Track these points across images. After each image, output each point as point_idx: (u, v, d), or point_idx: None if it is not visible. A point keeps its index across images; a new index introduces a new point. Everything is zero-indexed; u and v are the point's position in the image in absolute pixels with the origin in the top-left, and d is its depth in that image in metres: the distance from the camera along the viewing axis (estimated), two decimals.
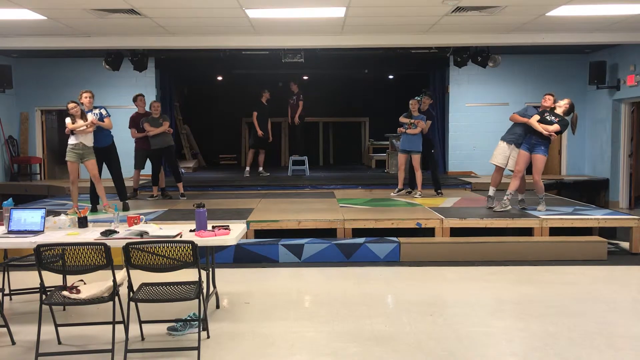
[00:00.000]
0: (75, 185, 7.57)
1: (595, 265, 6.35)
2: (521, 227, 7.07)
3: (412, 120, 8.97)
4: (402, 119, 9.08)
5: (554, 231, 6.95)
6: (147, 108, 9.09)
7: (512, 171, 7.55)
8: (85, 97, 7.58)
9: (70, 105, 7.31)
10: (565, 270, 6.12)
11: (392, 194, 9.43)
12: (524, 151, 7.30)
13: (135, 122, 9.01)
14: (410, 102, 9.10)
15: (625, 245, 7.15)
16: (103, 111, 7.69)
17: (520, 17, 7.73)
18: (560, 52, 11.51)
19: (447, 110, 12.22)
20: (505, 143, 7.63)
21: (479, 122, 11.56)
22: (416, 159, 9.03)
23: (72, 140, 7.42)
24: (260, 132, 11.47)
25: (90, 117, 7.39)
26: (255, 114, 11.50)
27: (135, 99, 9.18)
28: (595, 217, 7.13)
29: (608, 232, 7.34)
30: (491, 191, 7.75)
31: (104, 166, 7.95)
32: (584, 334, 4.24)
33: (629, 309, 4.89)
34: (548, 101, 7.36)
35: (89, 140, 7.45)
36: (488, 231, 7.00)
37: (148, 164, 9.29)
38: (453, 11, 7.29)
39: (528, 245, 6.68)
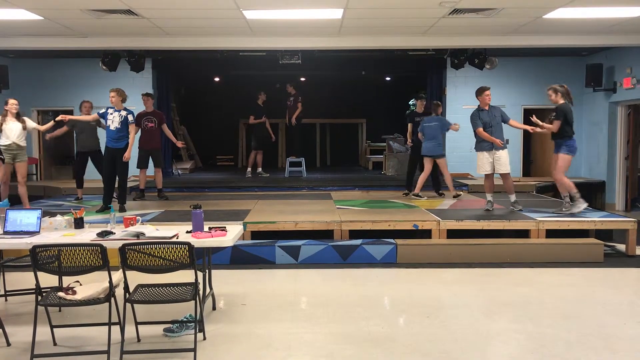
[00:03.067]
0: (6, 186, 7.91)
1: (592, 267, 6.36)
2: (518, 229, 7.08)
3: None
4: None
5: (551, 233, 6.96)
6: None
7: (500, 175, 7.70)
8: (111, 97, 7.68)
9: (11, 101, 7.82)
10: (562, 272, 6.13)
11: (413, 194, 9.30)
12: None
13: (137, 120, 9.02)
14: (437, 104, 9.25)
15: (621, 247, 7.16)
16: (129, 116, 7.72)
17: (518, 19, 7.75)
18: (557, 55, 11.54)
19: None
20: (478, 152, 7.77)
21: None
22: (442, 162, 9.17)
23: (3, 142, 7.78)
24: (272, 134, 11.83)
25: (29, 123, 7.87)
26: (252, 117, 11.57)
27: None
28: (592, 219, 7.15)
29: (604, 235, 7.36)
30: (489, 197, 7.79)
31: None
32: (580, 335, 4.24)
33: (625, 311, 4.90)
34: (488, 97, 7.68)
35: (22, 141, 7.75)
36: (485, 233, 7.00)
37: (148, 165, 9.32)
38: (450, 13, 7.30)
39: (525, 247, 6.69)
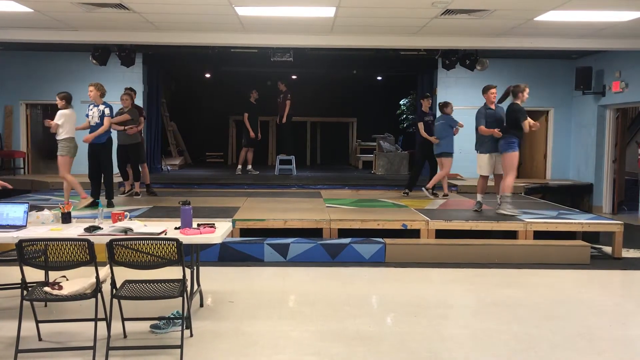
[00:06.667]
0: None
1: (578, 269, 6.41)
2: (506, 230, 7.11)
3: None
4: (461, 124, 9.18)
5: (538, 235, 6.99)
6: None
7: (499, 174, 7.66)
8: (90, 92, 7.59)
9: (58, 96, 7.47)
10: (549, 274, 6.17)
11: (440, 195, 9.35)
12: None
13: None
14: (450, 104, 9.27)
15: (607, 249, 7.23)
16: (106, 110, 7.64)
17: (509, 21, 7.78)
18: (548, 57, 11.60)
19: (435, 113, 12.25)
20: (482, 154, 7.73)
21: (466, 125, 11.59)
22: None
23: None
24: (252, 134, 11.61)
25: (58, 116, 7.45)
26: (246, 115, 11.58)
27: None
28: (579, 221, 7.20)
29: (591, 237, 7.41)
30: (479, 197, 7.81)
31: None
32: (566, 336, 4.27)
33: (611, 313, 4.94)
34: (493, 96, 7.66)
35: (58, 135, 7.51)
36: (473, 233, 7.03)
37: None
38: (442, 14, 7.32)
39: (512, 248, 6.73)
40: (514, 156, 7.33)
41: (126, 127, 8.72)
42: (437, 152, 9.15)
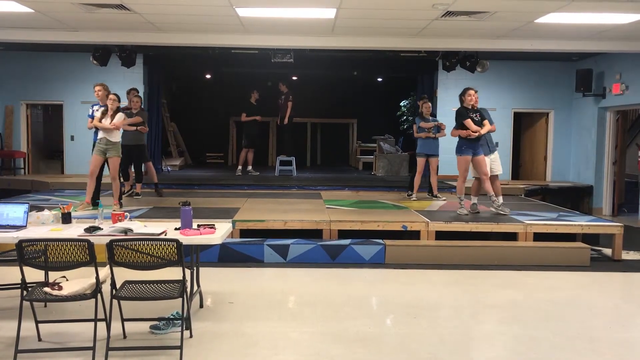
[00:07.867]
0: (91, 179, 7.52)
1: (578, 271, 6.41)
2: (505, 232, 7.11)
3: (438, 123, 9.05)
4: (425, 125, 9.01)
5: (538, 237, 6.99)
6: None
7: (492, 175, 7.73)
8: (97, 91, 7.56)
9: (112, 97, 7.33)
10: (549, 276, 6.17)
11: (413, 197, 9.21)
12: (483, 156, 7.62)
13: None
14: (426, 104, 9.15)
15: (607, 252, 7.22)
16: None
17: (510, 23, 7.78)
18: (548, 59, 11.62)
19: (434, 114, 12.24)
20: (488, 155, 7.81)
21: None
22: (436, 162, 9.19)
23: (98, 135, 7.46)
24: (258, 118, 11.74)
25: (118, 117, 7.29)
26: (243, 115, 11.64)
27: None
28: (579, 223, 7.19)
29: (591, 239, 7.41)
30: (474, 199, 7.82)
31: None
32: (566, 338, 4.27)
33: (610, 315, 4.94)
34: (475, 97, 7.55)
35: (113, 136, 7.38)
36: (473, 235, 7.03)
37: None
38: (443, 15, 7.32)
39: (512, 250, 6.72)
40: (460, 160, 7.57)
41: (138, 127, 8.78)
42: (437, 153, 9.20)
